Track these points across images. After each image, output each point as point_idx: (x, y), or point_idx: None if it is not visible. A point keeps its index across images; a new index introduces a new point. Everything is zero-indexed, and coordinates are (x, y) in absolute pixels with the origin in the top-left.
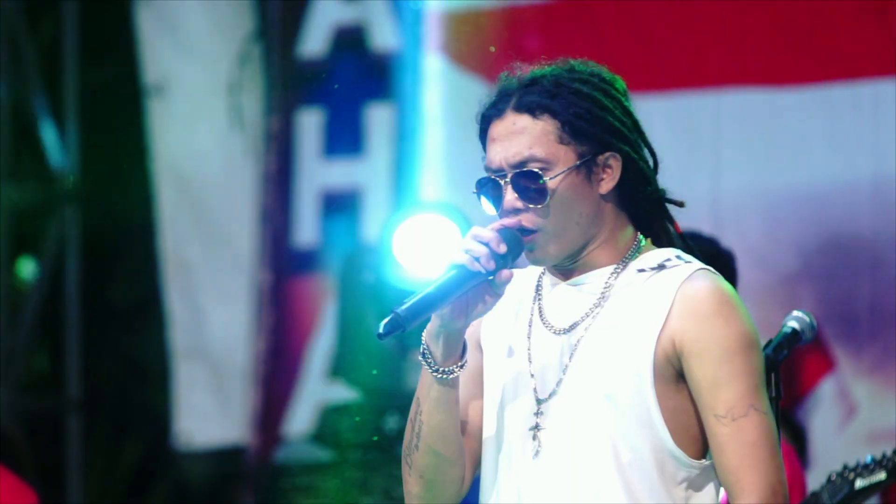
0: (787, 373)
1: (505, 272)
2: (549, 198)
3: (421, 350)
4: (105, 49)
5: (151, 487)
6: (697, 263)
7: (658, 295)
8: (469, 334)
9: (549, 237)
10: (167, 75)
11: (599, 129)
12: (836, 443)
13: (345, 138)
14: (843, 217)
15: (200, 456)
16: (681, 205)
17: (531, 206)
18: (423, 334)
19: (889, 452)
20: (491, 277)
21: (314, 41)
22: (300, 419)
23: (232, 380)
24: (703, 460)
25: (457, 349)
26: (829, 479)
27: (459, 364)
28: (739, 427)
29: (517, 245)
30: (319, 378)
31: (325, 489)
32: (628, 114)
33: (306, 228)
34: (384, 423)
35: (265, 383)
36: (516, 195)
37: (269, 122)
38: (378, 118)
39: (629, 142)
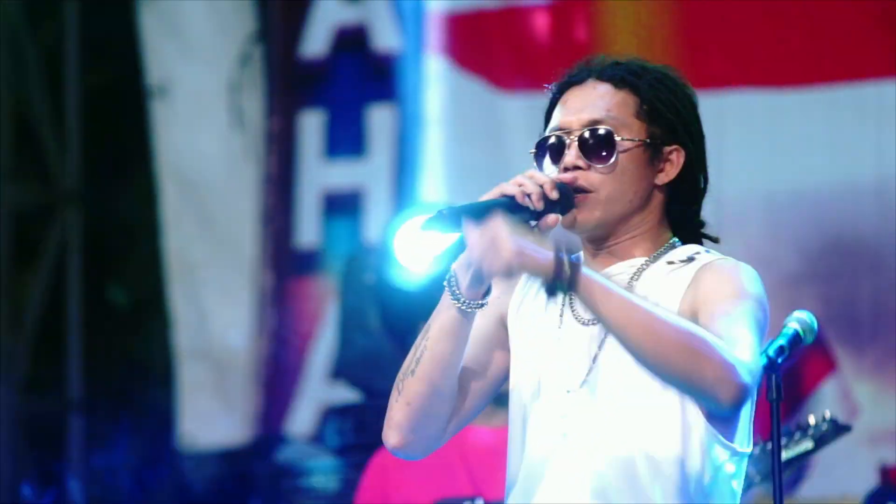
0: (789, 374)
1: (551, 217)
2: (614, 159)
3: (447, 277)
4: (107, 50)
5: (153, 488)
6: (721, 255)
7: (679, 280)
8: (494, 302)
9: (599, 202)
10: (170, 76)
11: (674, 119)
12: (837, 443)
13: (346, 139)
14: (845, 218)
15: (204, 457)
16: (715, 240)
17: (594, 164)
18: (454, 263)
19: (819, 419)
20: (534, 223)
21: (315, 42)
22: (302, 420)
23: (235, 381)
24: (733, 444)
25: (482, 285)
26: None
27: (480, 302)
28: (732, 309)
29: (568, 199)
30: (321, 379)
31: (326, 490)
32: (700, 124)
33: (308, 229)
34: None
35: (267, 384)
36: (580, 153)
37: (270, 122)
38: (379, 119)
39: (695, 145)
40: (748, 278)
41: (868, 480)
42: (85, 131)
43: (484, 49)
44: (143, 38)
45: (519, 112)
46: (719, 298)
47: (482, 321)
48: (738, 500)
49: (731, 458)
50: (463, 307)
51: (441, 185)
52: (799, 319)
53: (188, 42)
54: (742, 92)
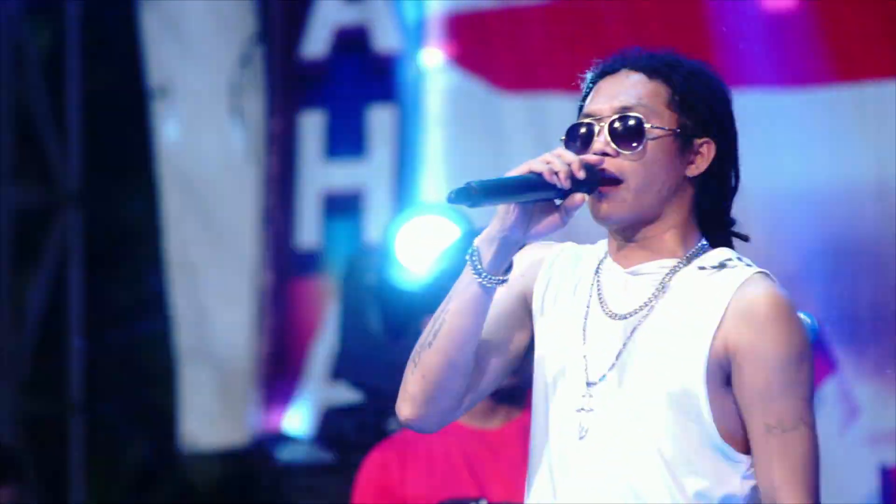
0: None
1: (577, 196)
2: (643, 146)
3: (470, 251)
4: (107, 51)
5: (155, 489)
6: (756, 267)
7: (715, 295)
8: (518, 280)
9: (629, 191)
10: (170, 77)
11: (707, 112)
12: (838, 445)
13: (346, 140)
14: (846, 219)
15: (205, 457)
16: (745, 239)
17: (623, 151)
18: (477, 238)
19: None
20: (560, 202)
21: (316, 42)
22: (302, 420)
23: (236, 381)
24: (750, 455)
25: (505, 261)
26: None
27: (501, 278)
28: (788, 440)
29: (594, 179)
30: (321, 379)
31: (327, 490)
32: (733, 119)
33: (308, 230)
34: (386, 425)
35: (267, 384)
36: (609, 139)
37: (270, 123)
38: (379, 119)
39: (727, 140)
40: (792, 330)
41: (868, 481)
42: (86, 132)
43: (484, 49)
44: (143, 39)
45: (519, 112)
46: (771, 399)
47: (504, 297)
48: (754, 501)
49: (746, 462)
50: (484, 282)
51: (441, 185)
52: None
53: (189, 43)
54: (742, 92)
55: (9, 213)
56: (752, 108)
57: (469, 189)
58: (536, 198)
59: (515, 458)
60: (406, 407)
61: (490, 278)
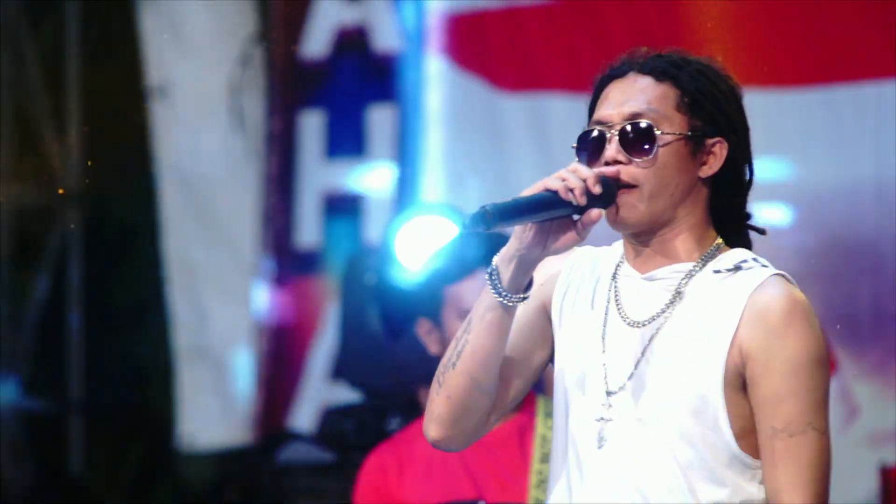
0: None
1: (594, 212)
2: (654, 153)
3: (489, 270)
4: (107, 51)
5: (154, 489)
6: (772, 269)
7: (730, 299)
8: (537, 291)
9: (642, 197)
10: (170, 77)
11: (716, 111)
12: (838, 444)
13: (346, 140)
14: (846, 218)
15: (204, 458)
16: (762, 232)
17: (634, 158)
18: (495, 257)
19: None
20: (577, 218)
21: (316, 42)
22: (302, 420)
23: (235, 381)
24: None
25: (524, 279)
26: None
27: (522, 296)
28: (794, 444)
29: (610, 193)
30: (321, 379)
31: (327, 490)
32: (743, 115)
33: (308, 230)
34: (387, 425)
35: (267, 384)
36: (620, 147)
37: (270, 123)
38: (380, 120)
39: (738, 137)
40: (806, 333)
41: (868, 481)
42: (85, 131)
43: (484, 49)
44: (143, 39)
45: (519, 112)
46: (779, 402)
47: (524, 310)
48: None
49: (760, 470)
50: (505, 301)
51: (441, 185)
52: None
53: (188, 43)
54: (742, 92)
55: (9, 213)
56: (752, 108)
57: (484, 214)
58: (553, 216)
59: (512, 458)
60: (433, 428)
61: (510, 297)
